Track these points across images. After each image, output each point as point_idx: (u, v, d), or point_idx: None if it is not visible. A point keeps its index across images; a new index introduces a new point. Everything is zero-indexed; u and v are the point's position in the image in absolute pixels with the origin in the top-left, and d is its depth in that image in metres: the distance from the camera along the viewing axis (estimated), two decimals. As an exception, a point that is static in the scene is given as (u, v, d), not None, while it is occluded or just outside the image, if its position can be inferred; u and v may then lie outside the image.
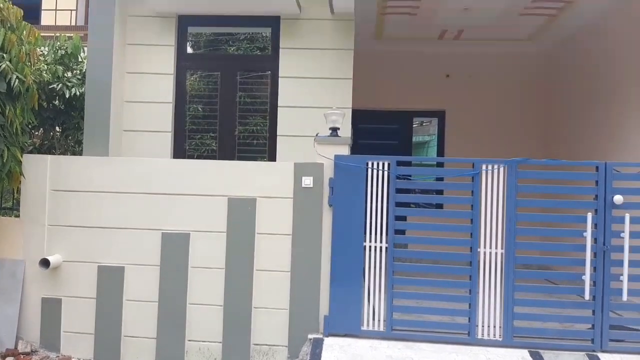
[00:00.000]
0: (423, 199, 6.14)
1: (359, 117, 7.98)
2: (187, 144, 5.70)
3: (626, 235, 3.75)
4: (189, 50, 5.91)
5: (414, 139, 10.96)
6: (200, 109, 5.79)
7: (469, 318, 3.95)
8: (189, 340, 4.26)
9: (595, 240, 3.84)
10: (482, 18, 6.52)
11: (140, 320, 4.30)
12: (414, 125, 10.00)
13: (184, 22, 5.70)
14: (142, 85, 5.55)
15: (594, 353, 3.79)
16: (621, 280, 3.76)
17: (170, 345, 4.26)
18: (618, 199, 3.79)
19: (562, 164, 4.17)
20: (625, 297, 3.76)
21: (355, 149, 7.82)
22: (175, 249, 4.30)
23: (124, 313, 4.31)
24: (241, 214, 4.24)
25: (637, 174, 4.00)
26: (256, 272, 4.22)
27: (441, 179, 4.60)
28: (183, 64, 5.71)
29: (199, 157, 5.63)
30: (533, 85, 7.89)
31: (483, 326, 3.94)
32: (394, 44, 7.76)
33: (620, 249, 3.78)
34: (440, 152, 8.21)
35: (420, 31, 7.16)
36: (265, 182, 4.25)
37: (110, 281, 4.34)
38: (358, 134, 8.16)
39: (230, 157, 5.52)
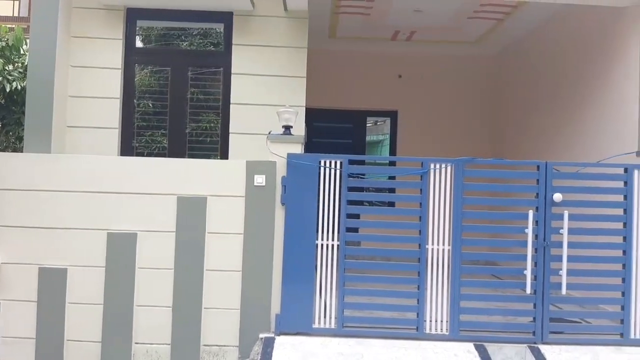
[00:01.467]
0: (375, 197, 6.23)
1: (313, 115, 7.99)
2: (136, 141, 5.53)
3: (565, 231, 3.93)
4: (139, 44, 5.74)
5: (368, 138, 11.08)
6: (151, 105, 5.63)
7: (418, 313, 4.04)
8: (136, 343, 4.14)
9: (536, 236, 4.01)
10: (433, 20, 6.67)
11: (84, 324, 4.14)
12: (368, 125, 10.11)
13: (133, 15, 5.53)
14: (88, 79, 5.35)
15: (535, 345, 3.96)
16: (560, 275, 3.93)
17: (116, 349, 4.12)
18: (557, 197, 3.97)
19: (505, 163, 4.34)
20: (564, 291, 3.93)
21: (310, 147, 7.84)
22: (121, 250, 4.16)
23: (67, 316, 4.14)
24: (191, 213, 4.16)
25: (575, 173, 4.21)
26: (206, 272, 4.15)
27: (393, 178, 4.69)
28: (131, 58, 5.54)
29: (149, 155, 5.48)
30: (481, 87, 8.16)
31: (431, 321, 4.03)
32: (348, 44, 7.83)
33: (560, 244, 3.95)
34: (393, 151, 8.36)
35: (373, 31, 7.25)
36: (217, 181, 4.19)
37: (53, 283, 4.15)
38: (313, 133, 8.16)
39: (181, 155, 5.40)
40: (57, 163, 4.24)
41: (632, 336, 4.01)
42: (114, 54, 5.43)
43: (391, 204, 6.68)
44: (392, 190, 7.05)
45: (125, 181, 4.20)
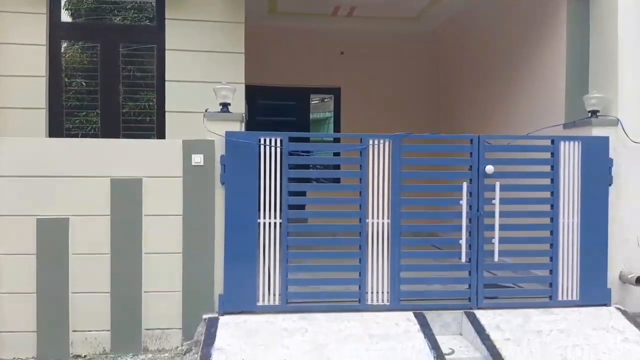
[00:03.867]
0: (315, 174, 6.25)
1: (257, 93, 7.89)
2: (67, 121, 5.25)
3: (497, 201, 4.10)
4: (65, 18, 5.41)
5: (314, 116, 11.07)
6: (84, 84, 5.35)
7: (360, 286, 4.12)
8: (74, 331, 4.01)
9: (470, 207, 4.16)
10: (372, -5, 6.67)
11: (17, 314, 3.95)
12: (315, 102, 10.08)
13: (57, -13, 5.18)
14: (8, 57, 4.98)
15: (471, 310, 4.14)
16: (493, 243, 4.12)
17: (52, 338, 3.97)
18: (489, 168, 4.12)
19: (440, 137, 4.46)
20: (496, 258, 4.12)
21: (254, 125, 7.79)
22: (53, 236, 3.98)
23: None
24: (126, 196, 4.02)
25: (506, 145, 4.38)
26: (145, 256, 4.05)
27: (338, 154, 4.72)
28: (57, 34, 5.21)
29: (84, 137, 5.22)
30: (421, 63, 8.29)
31: (373, 292, 4.13)
32: (290, 19, 7.71)
33: (492, 214, 4.12)
34: (337, 128, 8.40)
35: (314, 7, 7.17)
36: (152, 161, 4.06)
37: (-22, 274, 3.93)
38: (257, 111, 8.07)
39: (115, 136, 5.18)
40: (-24, 147, 3.97)
41: (559, 298, 4.26)
42: (38, 30, 5.08)
43: (336, 181, 6.76)
44: (337, 167, 7.10)
45: (54, 164, 3.99)
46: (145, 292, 4.05)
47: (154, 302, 4.06)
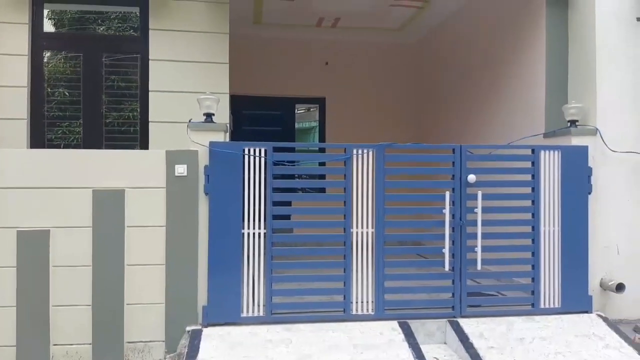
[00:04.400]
0: (300, 184, 6.27)
1: (242, 103, 7.91)
2: (49, 132, 5.20)
3: (479, 210, 4.14)
4: (48, 28, 5.38)
5: (300, 125, 11.10)
6: (67, 94, 5.31)
7: (344, 296, 4.12)
8: (55, 345, 3.93)
9: (453, 216, 4.19)
10: (356, 7, 6.75)
11: (-5, 329, 3.88)
12: (301, 112, 10.11)
13: (39, -2, 5.15)
14: (-10, 67, 4.95)
15: (454, 319, 4.16)
16: (476, 252, 4.15)
17: (33, 352, 3.89)
18: (471, 177, 4.17)
19: (423, 147, 4.51)
20: (479, 267, 4.15)
21: (239, 135, 7.79)
22: (33, 248, 3.92)
23: (-25, 322, 3.86)
24: (108, 207, 3.98)
25: (487, 154, 4.44)
26: (127, 267, 4.00)
27: (323, 164, 4.73)
28: (39, 43, 5.18)
29: (66, 147, 5.17)
30: (404, 73, 8.39)
31: (357, 302, 4.13)
32: (275, 30, 7.75)
33: (475, 223, 4.16)
34: (322, 137, 8.43)
35: (298, 18, 7.23)
36: (135, 172, 4.03)
37: (-45, 288, 3.85)
38: (242, 121, 8.08)
39: (98, 146, 5.14)
40: (-46, 158, 3.91)
41: (542, 306, 4.30)
42: (20, 40, 5.05)
43: (321, 191, 6.77)
44: (322, 177, 7.12)
45: (35, 175, 3.94)
46: (127, 304, 4.00)
47: (137, 315, 4.01)
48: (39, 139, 5.13)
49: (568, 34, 4.92)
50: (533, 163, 4.32)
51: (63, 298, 3.95)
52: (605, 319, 4.25)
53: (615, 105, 4.55)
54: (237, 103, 7.74)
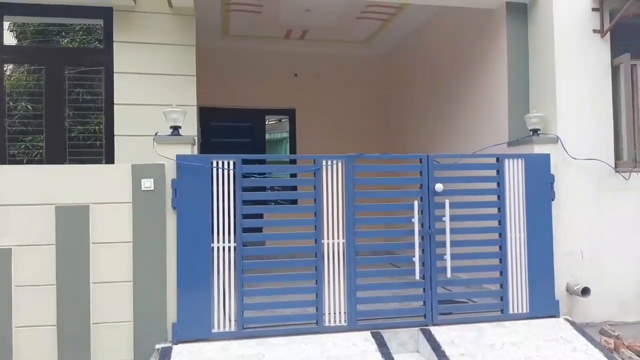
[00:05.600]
0: (269, 196, 6.24)
1: (211, 115, 7.85)
2: (11, 147, 5.03)
3: (447, 219, 4.20)
4: (8, 41, 5.24)
5: (271, 136, 11.06)
6: (29, 108, 5.16)
7: (317, 308, 4.10)
8: (17, 368, 3.79)
9: (422, 225, 4.24)
10: (323, 20, 6.81)
11: (-49, 354, 3.71)
12: (272, 122, 10.07)
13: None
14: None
15: (427, 327, 4.19)
16: (445, 260, 4.20)
17: (-8, 377, 3.75)
18: (438, 187, 4.23)
19: (391, 157, 4.56)
20: (449, 274, 4.20)
21: (208, 147, 7.71)
22: (-7, 268, 3.78)
23: None
24: (72, 224, 3.87)
25: (454, 164, 4.52)
26: (93, 285, 3.89)
27: (295, 175, 4.71)
28: (0, 57, 5.02)
29: (29, 162, 5.02)
30: (372, 85, 8.50)
31: (330, 314, 4.11)
32: (243, 42, 7.75)
33: (443, 231, 4.22)
34: (293, 148, 8.42)
35: (266, 30, 7.24)
36: (99, 187, 3.93)
37: None
38: (211, 133, 8.00)
39: (61, 161, 5.00)
40: None
41: (510, 311, 4.38)
42: (-22, 53, 4.89)
43: (293, 202, 6.76)
44: (294, 189, 7.10)
45: (-6, 192, 3.82)
46: (94, 323, 3.88)
47: (104, 334, 3.89)
48: (0, 154, 4.96)
49: (528, 45, 5.08)
50: (498, 171, 4.41)
51: (26, 319, 3.81)
52: (572, 323, 4.35)
53: (575, 113, 4.70)
54: (206, 115, 7.68)
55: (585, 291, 4.43)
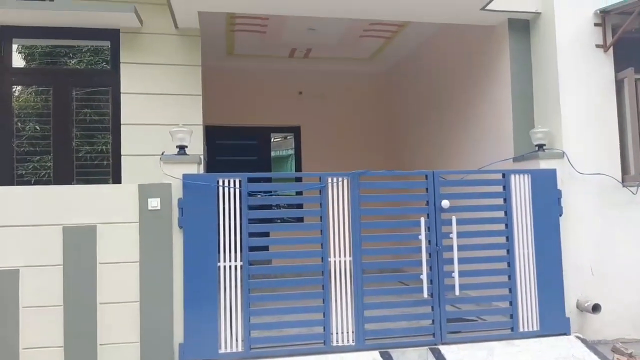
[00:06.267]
0: (276, 214, 6.25)
1: (216, 133, 7.90)
2: (19, 167, 5.08)
3: (454, 235, 4.18)
4: (17, 63, 5.31)
5: (277, 153, 11.10)
6: (37, 128, 5.22)
7: (324, 327, 4.06)
8: (23, 391, 3.77)
9: (429, 241, 4.21)
10: (326, 39, 6.88)
11: (-43, 376, 3.70)
12: (277, 140, 10.13)
13: (8, 33, 5.08)
14: (-45, 103, 4.84)
15: (436, 346, 4.13)
16: (453, 277, 4.16)
17: (-2, 400, 3.72)
18: (445, 203, 4.21)
19: (396, 174, 4.54)
20: (457, 292, 4.16)
21: (214, 165, 7.74)
22: (2, 289, 3.78)
23: None
24: (79, 244, 3.87)
25: (460, 180, 4.51)
26: (100, 306, 3.88)
27: (301, 193, 4.71)
28: (8, 78, 5.09)
29: (37, 182, 5.05)
30: (376, 102, 8.54)
31: (337, 333, 4.07)
32: (247, 61, 7.82)
33: (451, 248, 4.19)
34: (298, 166, 8.44)
35: (271, 49, 7.32)
36: (106, 207, 3.95)
37: None
38: (216, 151, 8.05)
39: (69, 181, 5.03)
40: None
41: (520, 329, 4.31)
42: (-13, 75, 4.96)
43: (299, 220, 6.75)
44: (299, 206, 7.10)
45: (4, 213, 3.83)
46: (100, 344, 3.86)
47: (110, 355, 3.87)
48: (8, 175, 5.00)
49: (531, 60, 5.10)
50: (504, 187, 4.39)
51: (33, 340, 3.80)
52: (583, 341, 4.28)
53: (580, 128, 4.70)
54: (212, 133, 7.73)
55: (595, 308, 4.37)
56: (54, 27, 5.04)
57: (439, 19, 5.27)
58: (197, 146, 4.87)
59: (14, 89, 5.23)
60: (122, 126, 5.04)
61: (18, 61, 5.72)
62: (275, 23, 6.22)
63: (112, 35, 5.10)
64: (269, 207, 6.03)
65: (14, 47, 5.30)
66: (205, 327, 3.92)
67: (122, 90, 5.06)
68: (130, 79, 5.07)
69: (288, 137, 11.16)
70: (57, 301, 3.85)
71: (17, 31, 5.09)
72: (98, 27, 5.07)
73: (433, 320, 4.20)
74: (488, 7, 4.78)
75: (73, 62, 6.03)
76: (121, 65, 5.09)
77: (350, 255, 4.13)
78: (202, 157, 4.59)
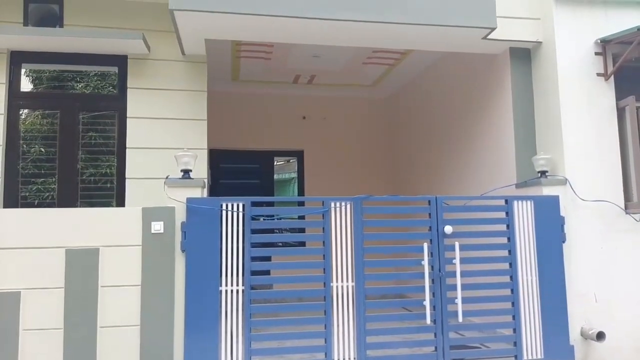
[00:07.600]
0: (278, 238, 6.23)
1: (220, 157, 7.97)
2: (23, 189, 5.10)
3: (457, 261, 4.17)
4: (25, 87, 5.40)
5: (280, 176, 11.15)
6: (43, 150, 5.27)
7: (326, 353, 4.02)
8: (20, 416, 3.72)
9: (432, 267, 4.20)
10: (330, 65, 6.99)
11: (-45, 400, 3.66)
12: (280, 163, 10.20)
13: (18, 59, 5.19)
14: (-35, 126, 4.90)
15: (438, 374, 4.08)
16: (456, 303, 4.13)
17: None
18: (448, 229, 4.21)
19: (399, 199, 4.56)
20: (460, 319, 4.13)
21: (217, 188, 7.78)
22: (3, 311, 3.77)
23: None
24: (81, 267, 3.87)
25: (462, 206, 4.51)
26: (100, 330, 3.86)
27: (303, 217, 4.72)
28: (16, 102, 5.18)
29: (41, 205, 5.08)
30: (379, 127, 8.63)
31: (339, 359, 4.02)
32: (252, 86, 7.94)
33: (454, 274, 4.17)
34: (301, 189, 8.47)
35: (275, 75, 7.43)
36: (110, 230, 3.96)
37: None
38: (220, 174, 8.10)
39: (73, 204, 5.06)
40: None
41: (525, 357, 4.26)
42: (-4, 99, 5.04)
43: (301, 244, 6.73)
44: (302, 230, 7.09)
45: (5, 236, 3.85)
46: (99, 369, 3.83)
47: (109, 380, 3.83)
48: (12, 197, 5.03)
49: (533, 88, 5.16)
50: (507, 213, 4.40)
51: (31, 364, 3.77)
52: (588, 369, 4.23)
53: (583, 155, 4.72)
54: (216, 157, 7.79)
55: (600, 336, 4.32)
56: (63, 52, 5.14)
57: (442, 48, 5.36)
58: (201, 170, 4.91)
59: (21, 112, 5.30)
60: (127, 149, 5.09)
61: (26, 84, 5.80)
62: (280, 50, 6.33)
63: (120, 61, 5.20)
64: (272, 231, 6.03)
65: (22, 71, 5.40)
66: (206, 351, 3.89)
67: (128, 114, 5.13)
68: (136, 104, 5.15)
69: (291, 161, 11.24)
70: (58, 324, 3.83)
71: (27, 56, 5.20)
72: (106, 53, 5.17)
73: (436, 347, 4.16)
74: (490, 37, 4.87)
75: (80, 86, 6.11)
76: (128, 90, 5.17)
77: (352, 281, 4.11)
78: (205, 180, 4.62)
